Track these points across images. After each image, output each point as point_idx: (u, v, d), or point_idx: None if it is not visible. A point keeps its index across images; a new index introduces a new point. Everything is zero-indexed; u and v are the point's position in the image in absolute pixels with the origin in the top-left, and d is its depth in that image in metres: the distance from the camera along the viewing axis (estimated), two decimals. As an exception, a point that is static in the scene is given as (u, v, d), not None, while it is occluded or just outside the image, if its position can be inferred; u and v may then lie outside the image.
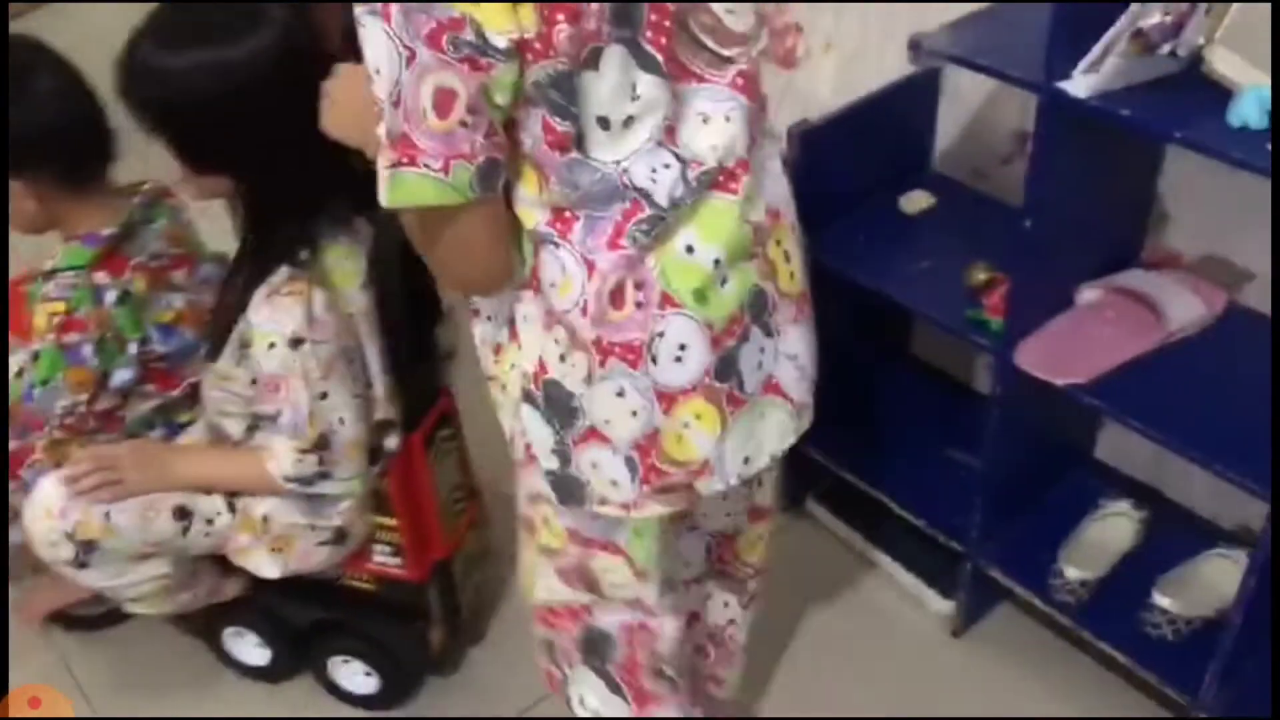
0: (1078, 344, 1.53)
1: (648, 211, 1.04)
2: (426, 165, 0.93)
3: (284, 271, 1.41)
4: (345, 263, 1.47)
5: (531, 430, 1.15)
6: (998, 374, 1.57)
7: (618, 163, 1.02)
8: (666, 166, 1.04)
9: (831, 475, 1.97)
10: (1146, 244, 1.67)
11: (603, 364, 1.08)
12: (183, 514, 1.53)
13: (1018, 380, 1.54)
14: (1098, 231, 1.58)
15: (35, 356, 1.53)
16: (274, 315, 1.39)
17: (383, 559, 1.64)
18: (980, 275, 1.61)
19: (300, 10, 1.35)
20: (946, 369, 2.04)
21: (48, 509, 1.49)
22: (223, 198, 1.47)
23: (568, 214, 1.04)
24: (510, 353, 1.14)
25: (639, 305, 1.06)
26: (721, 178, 1.08)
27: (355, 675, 1.76)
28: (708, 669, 1.56)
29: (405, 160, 0.93)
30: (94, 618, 1.86)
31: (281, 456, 1.47)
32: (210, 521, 1.55)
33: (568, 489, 1.16)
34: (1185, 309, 1.54)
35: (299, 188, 1.39)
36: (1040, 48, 1.32)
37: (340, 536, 1.58)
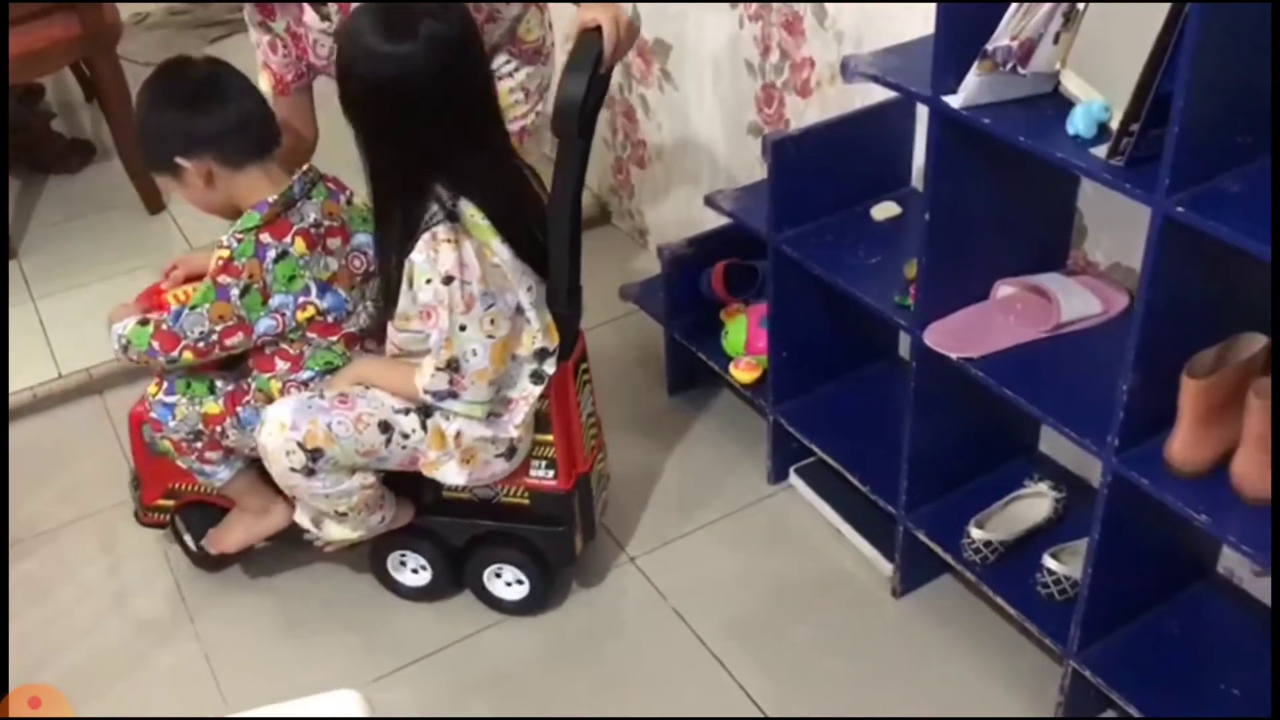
0: (980, 328, 1.78)
1: None
2: None
3: (441, 223, 1.69)
4: (480, 221, 1.75)
5: None
6: (912, 349, 1.82)
7: None
8: None
9: (810, 451, 2.23)
10: (1071, 254, 1.90)
11: None
12: (386, 428, 1.84)
13: (929, 356, 1.79)
14: (1015, 237, 1.82)
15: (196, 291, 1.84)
16: (433, 257, 1.69)
17: (538, 473, 1.95)
18: (913, 269, 1.87)
19: (459, 12, 1.69)
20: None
21: (281, 423, 1.81)
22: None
23: None
24: None
25: None
26: None
27: (506, 585, 2.07)
28: None
29: None
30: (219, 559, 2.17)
31: (424, 371, 1.78)
32: (406, 436, 1.85)
33: None
34: (1080, 306, 1.76)
35: (455, 152, 1.70)
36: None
37: (511, 451, 1.89)
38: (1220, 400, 1.46)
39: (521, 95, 2.09)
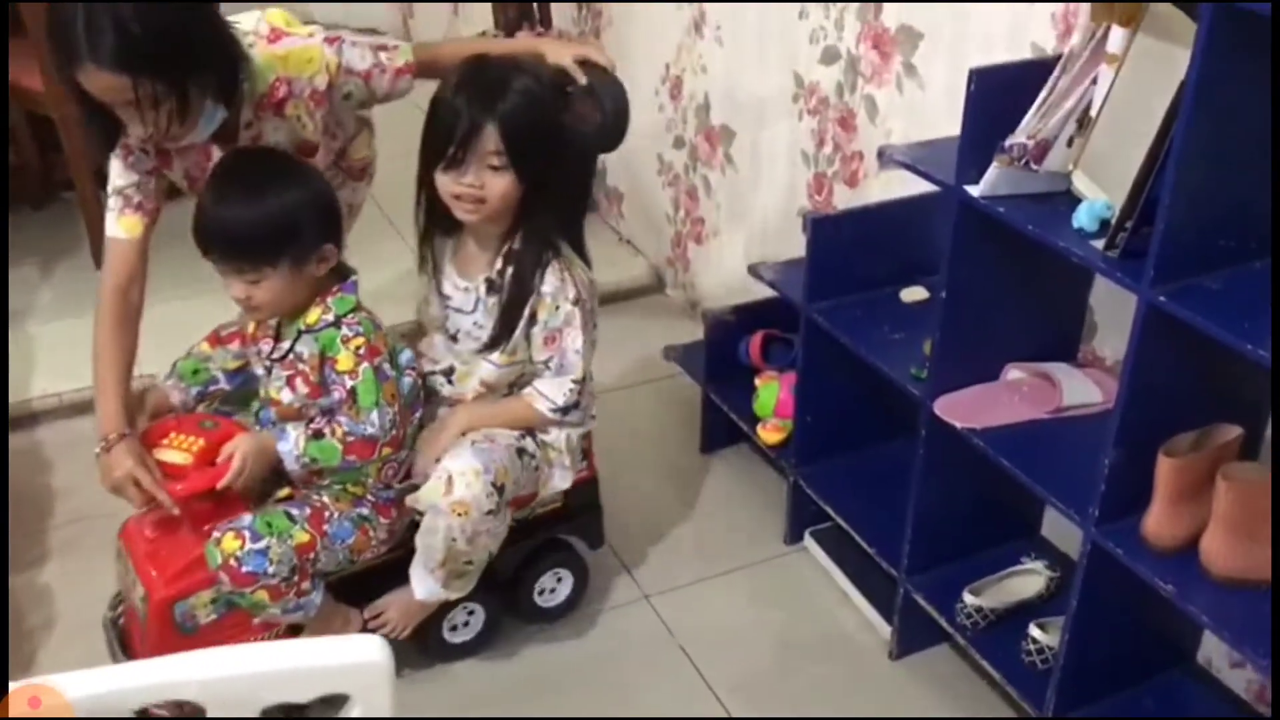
0: (987, 404, 1.91)
1: None
2: None
3: (556, 258, 1.92)
4: (569, 251, 1.96)
5: None
6: (922, 417, 1.96)
7: None
8: None
9: (827, 517, 2.36)
10: (1081, 348, 2.03)
11: None
12: (521, 453, 1.98)
13: (938, 425, 1.93)
14: (1028, 325, 1.96)
15: (352, 395, 1.84)
16: (560, 285, 1.92)
17: (580, 466, 2.12)
18: (930, 346, 2.01)
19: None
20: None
21: (475, 470, 1.86)
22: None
23: None
24: None
25: None
26: None
27: (550, 594, 2.20)
28: None
29: None
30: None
31: (551, 393, 1.97)
32: (533, 457, 2.00)
33: None
34: (1082, 394, 1.90)
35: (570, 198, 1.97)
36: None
37: (585, 452, 2.11)
38: (1194, 481, 1.58)
39: (345, 210, 2.10)
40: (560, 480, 2.06)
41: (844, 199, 2.54)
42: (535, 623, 2.22)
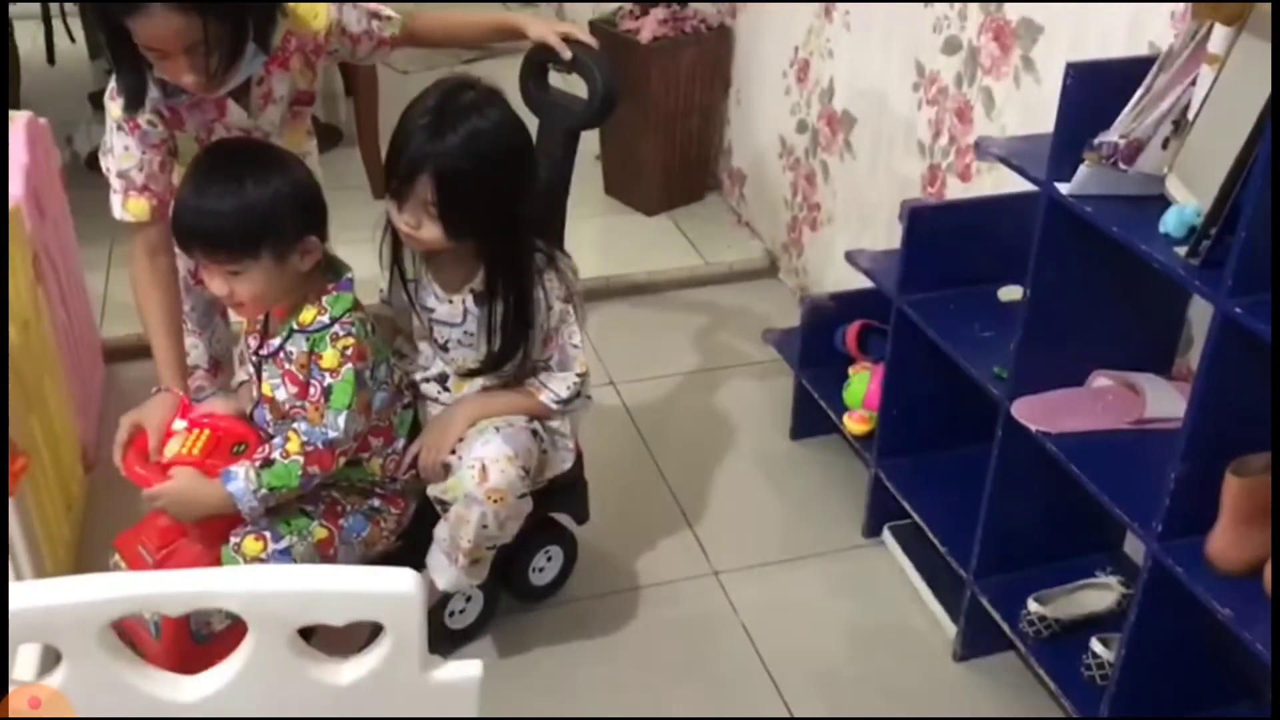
0: (1067, 409, 1.87)
1: None
2: None
3: (546, 263, 1.93)
4: (553, 251, 1.98)
5: None
6: (1000, 418, 1.92)
7: None
8: None
9: (907, 512, 2.33)
10: (1177, 362, 1.96)
11: None
12: (534, 434, 1.96)
13: (1014, 426, 1.89)
14: (1119, 333, 1.89)
15: (326, 393, 1.75)
16: (552, 286, 1.92)
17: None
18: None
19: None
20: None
21: (508, 456, 1.85)
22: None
23: None
24: None
25: None
26: None
27: (541, 571, 2.20)
28: None
29: None
30: None
31: (556, 387, 1.97)
32: (542, 439, 1.99)
33: None
34: (1168, 407, 1.83)
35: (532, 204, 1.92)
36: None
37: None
38: (1263, 503, 1.51)
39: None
40: (563, 461, 2.05)
41: (956, 192, 2.50)
42: (529, 601, 2.21)
